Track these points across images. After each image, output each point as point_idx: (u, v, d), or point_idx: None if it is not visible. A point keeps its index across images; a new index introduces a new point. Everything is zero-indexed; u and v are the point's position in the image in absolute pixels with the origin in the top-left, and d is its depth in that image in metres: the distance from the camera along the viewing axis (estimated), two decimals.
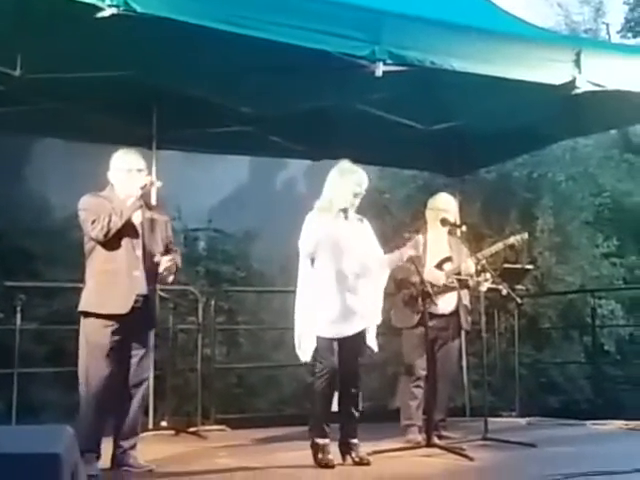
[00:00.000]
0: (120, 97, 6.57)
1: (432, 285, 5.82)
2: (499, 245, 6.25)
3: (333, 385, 5.09)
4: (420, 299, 5.63)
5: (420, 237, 5.56)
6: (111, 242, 4.78)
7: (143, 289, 4.83)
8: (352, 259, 5.12)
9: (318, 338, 5.04)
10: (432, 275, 5.97)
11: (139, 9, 4.36)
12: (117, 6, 4.30)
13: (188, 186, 10.60)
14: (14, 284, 7.46)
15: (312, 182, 5.30)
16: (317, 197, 5.24)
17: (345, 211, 5.16)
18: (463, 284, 6.12)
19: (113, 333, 4.73)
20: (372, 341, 5.23)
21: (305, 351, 5.08)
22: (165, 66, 6.08)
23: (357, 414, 5.17)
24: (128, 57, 5.82)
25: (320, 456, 5.00)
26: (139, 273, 4.81)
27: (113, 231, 4.75)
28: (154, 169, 7.28)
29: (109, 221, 4.73)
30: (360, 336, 5.12)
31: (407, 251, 5.28)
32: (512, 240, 6.26)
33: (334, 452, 5.08)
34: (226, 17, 4.68)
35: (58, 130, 7.50)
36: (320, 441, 5.03)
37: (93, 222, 4.77)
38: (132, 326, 4.78)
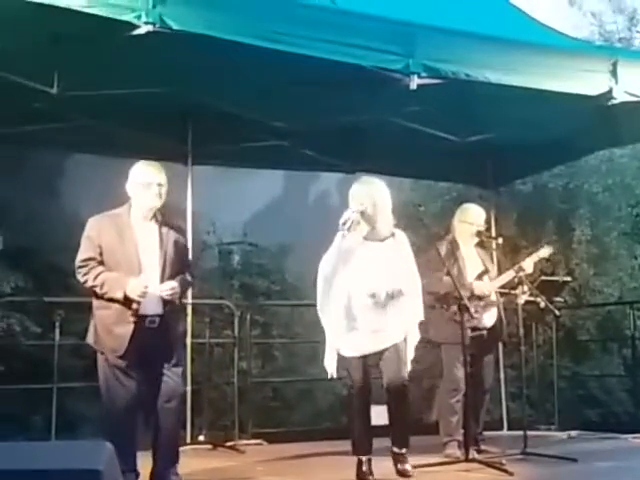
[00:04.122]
0: (155, 113, 6.62)
1: (480, 298, 5.80)
2: (534, 257, 6.17)
3: (367, 400, 5.04)
4: (464, 313, 5.52)
5: (441, 244, 5.51)
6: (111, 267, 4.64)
7: (155, 310, 4.62)
8: (375, 279, 5.00)
9: (343, 357, 5.03)
10: (479, 288, 5.94)
11: (174, 26, 4.39)
12: (153, 23, 4.33)
13: (223, 201, 10.64)
14: (52, 299, 7.54)
15: (345, 195, 5.26)
16: None
17: (371, 227, 5.07)
18: (502, 296, 6.07)
19: (125, 358, 4.56)
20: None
21: (329, 367, 5.08)
22: (200, 82, 6.11)
23: (401, 426, 5.07)
24: (163, 73, 5.86)
25: (363, 470, 4.97)
26: (149, 296, 4.56)
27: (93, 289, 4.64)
28: (189, 184, 7.36)
29: (94, 285, 4.62)
30: (395, 351, 5.03)
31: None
32: (544, 252, 6.18)
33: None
34: (260, 32, 4.69)
35: (93, 146, 7.52)
36: (361, 457, 5.01)
37: (81, 267, 4.63)
38: (149, 346, 4.58)
